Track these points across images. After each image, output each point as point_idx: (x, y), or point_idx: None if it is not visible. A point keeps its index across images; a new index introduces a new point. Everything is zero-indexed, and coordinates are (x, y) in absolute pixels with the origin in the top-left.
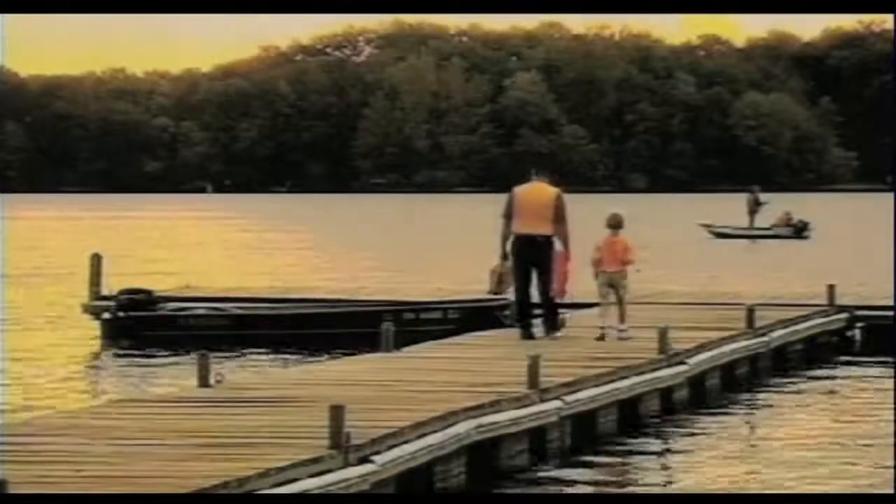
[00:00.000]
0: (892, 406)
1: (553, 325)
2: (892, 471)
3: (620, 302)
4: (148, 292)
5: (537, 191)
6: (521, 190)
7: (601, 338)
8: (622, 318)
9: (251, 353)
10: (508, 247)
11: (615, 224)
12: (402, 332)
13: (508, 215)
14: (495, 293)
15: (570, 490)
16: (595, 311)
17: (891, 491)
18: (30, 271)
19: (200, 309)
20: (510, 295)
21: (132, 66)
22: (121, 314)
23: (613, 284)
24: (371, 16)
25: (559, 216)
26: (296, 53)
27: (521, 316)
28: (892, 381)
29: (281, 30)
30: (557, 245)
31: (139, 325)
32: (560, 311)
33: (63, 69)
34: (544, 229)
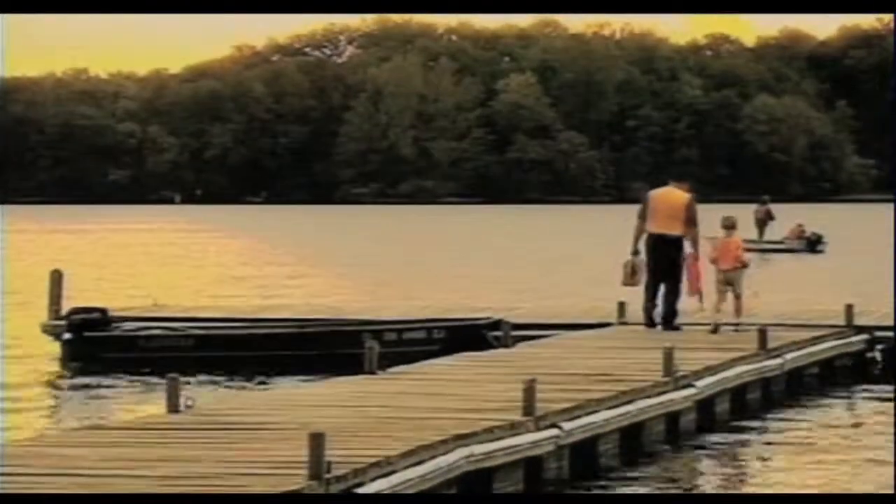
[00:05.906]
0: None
1: (672, 318)
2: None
3: (737, 297)
4: (102, 311)
5: (670, 194)
6: (655, 193)
7: (714, 330)
8: (738, 313)
9: (221, 377)
10: (640, 244)
11: (729, 225)
12: (384, 353)
13: (643, 216)
14: (629, 285)
15: None
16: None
17: (891, 491)
18: None
19: (163, 330)
20: (641, 287)
21: (95, 66)
22: (83, 334)
23: (729, 281)
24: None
25: (690, 219)
26: (272, 53)
27: (649, 307)
28: None
29: (256, 28)
30: (687, 247)
31: (97, 346)
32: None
33: (20, 70)
34: (675, 230)
